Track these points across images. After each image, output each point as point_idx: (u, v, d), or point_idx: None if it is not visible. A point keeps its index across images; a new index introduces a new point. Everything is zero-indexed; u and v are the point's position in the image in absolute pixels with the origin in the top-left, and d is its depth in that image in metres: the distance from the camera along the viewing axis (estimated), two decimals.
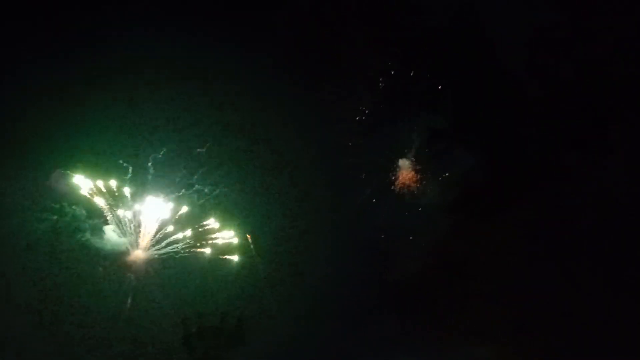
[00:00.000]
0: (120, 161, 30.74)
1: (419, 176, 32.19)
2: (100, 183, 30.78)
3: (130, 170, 30.84)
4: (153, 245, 31.49)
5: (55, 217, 30.62)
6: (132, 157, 30.92)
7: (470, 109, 31.82)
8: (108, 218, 31.11)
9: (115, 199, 31.04)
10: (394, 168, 32.45)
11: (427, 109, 32.06)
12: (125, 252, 31.36)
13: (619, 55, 30.47)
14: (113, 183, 30.81)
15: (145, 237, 31.44)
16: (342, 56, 32.01)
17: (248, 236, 31.51)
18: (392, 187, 32.28)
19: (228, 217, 31.52)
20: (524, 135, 31.70)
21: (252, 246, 31.50)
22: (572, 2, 30.69)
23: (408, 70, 32.26)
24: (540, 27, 31.00)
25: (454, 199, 31.53)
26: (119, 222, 31.26)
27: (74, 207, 30.80)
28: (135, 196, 31.11)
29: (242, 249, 31.41)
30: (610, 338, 28.48)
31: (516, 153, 31.63)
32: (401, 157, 32.40)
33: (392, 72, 32.18)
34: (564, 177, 30.73)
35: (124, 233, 31.37)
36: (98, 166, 30.80)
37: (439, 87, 32.10)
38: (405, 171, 32.27)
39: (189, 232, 31.28)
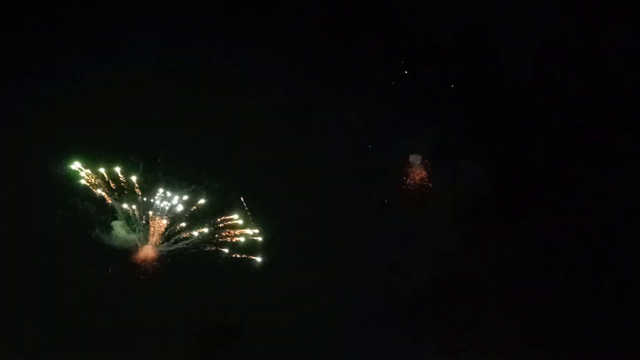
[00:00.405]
0: (132, 157, 30.76)
1: (427, 187, 32.40)
2: (110, 178, 30.70)
3: (141, 165, 30.85)
4: (164, 242, 31.14)
5: (64, 213, 30.33)
6: (144, 151, 30.96)
7: (479, 121, 32.31)
8: (117, 213, 30.83)
9: (126, 194, 30.90)
10: (402, 178, 32.64)
11: (436, 121, 32.51)
12: (135, 249, 30.98)
13: (627, 67, 31.32)
14: (124, 177, 30.74)
15: (156, 233, 31.11)
16: (353, 67, 32.55)
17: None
18: (401, 197, 32.43)
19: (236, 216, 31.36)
20: (532, 148, 32.31)
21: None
22: (581, 16, 31.66)
23: (419, 82, 32.93)
24: (548, 39, 31.88)
25: (462, 211, 31.55)
26: (129, 218, 30.98)
27: (84, 202, 30.54)
28: (145, 191, 30.94)
29: (255, 246, 31.17)
30: (624, 350, 28.80)
31: (525, 165, 32.10)
32: (410, 169, 32.59)
33: (403, 84, 32.81)
34: (573, 189, 31.19)
35: (133, 229, 31.04)
36: (109, 160, 30.74)
37: (448, 100, 32.75)
38: (414, 182, 32.45)
39: (200, 229, 30.95)
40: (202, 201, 31.02)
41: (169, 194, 31.04)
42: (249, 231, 30.97)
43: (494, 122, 32.12)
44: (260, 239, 31.02)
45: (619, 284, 29.51)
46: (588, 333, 28.78)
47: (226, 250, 30.87)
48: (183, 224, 30.97)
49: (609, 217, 30.36)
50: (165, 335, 29.44)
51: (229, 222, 31.09)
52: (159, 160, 31.07)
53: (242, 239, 30.97)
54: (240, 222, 31.13)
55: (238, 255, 30.81)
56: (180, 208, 31.08)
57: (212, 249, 30.93)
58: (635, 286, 29.35)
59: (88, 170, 30.62)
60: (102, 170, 30.66)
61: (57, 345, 28.82)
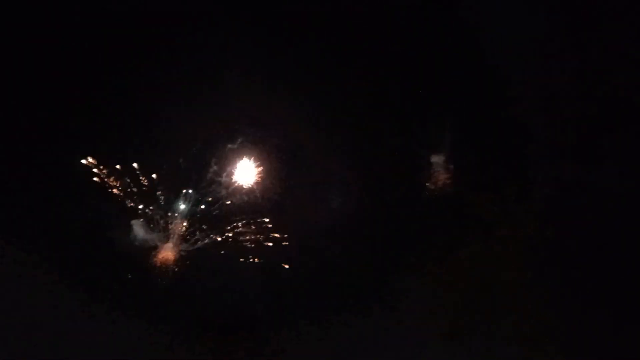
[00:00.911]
0: (154, 154, 30.92)
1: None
2: (129, 174, 30.77)
3: (164, 165, 31.02)
4: (185, 242, 31.36)
5: (79, 211, 30.37)
6: (166, 149, 31.11)
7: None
8: (137, 212, 30.87)
9: (145, 192, 30.94)
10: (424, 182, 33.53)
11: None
12: (155, 249, 31.17)
13: (616, 64, 32.41)
14: (143, 175, 30.80)
15: (176, 233, 31.28)
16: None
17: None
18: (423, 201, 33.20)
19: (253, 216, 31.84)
20: (521, 146, 33.36)
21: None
22: (569, 15, 32.66)
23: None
24: (536, 38, 32.81)
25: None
26: (148, 217, 31.02)
27: (100, 199, 30.55)
28: (167, 188, 31.11)
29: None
30: (615, 345, 29.95)
31: (513, 163, 33.32)
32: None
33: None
34: (560, 187, 32.35)
35: (153, 228, 31.10)
36: (127, 156, 30.88)
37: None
38: (436, 185, 33.39)
39: (223, 230, 31.31)
40: (226, 201, 31.26)
41: (191, 192, 31.23)
42: (267, 229, 31.36)
43: (483, 122, 33.41)
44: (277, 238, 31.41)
45: (612, 278, 30.55)
46: (584, 332, 30.07)
47: (249, 253, 31.17)
48: (205, 225, 31.20)
49: (600, 214, 31.56)
50: (184, 338, 29.90)
51: (252, 224, 31.43)
52: (180, 160, 31.25)
53: (265, 242, 31.34)
54: (267, 225, 31.47)
55: (257, 260, 31.15)
56: (202, 207, 31.30)
57: (235, 250, 31.18)
58: (629, 280, 30.46)
59: (101, 168, 30.66)
60: (118, 167, 30.70)
61: (71, 349, 28.91)
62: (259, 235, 31.57)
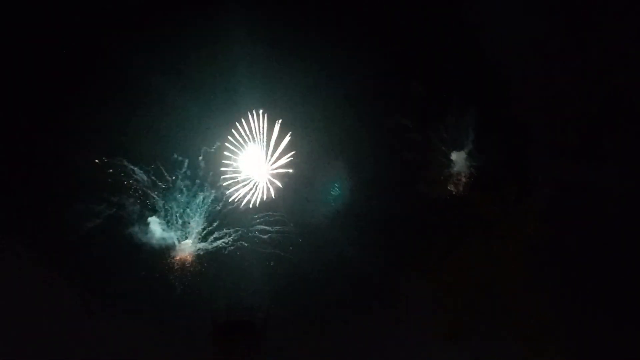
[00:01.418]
0: (175, 155, 31.15)
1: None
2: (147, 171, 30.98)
3: (186, 163, 31.29)
4: (202, 240, 31.61)
5: (97, 209, 30.50)
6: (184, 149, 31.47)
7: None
8: (156, 209, 31.07)
9: (163, 190, 31.23)
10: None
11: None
12: (172, 247, 31.39)
13: (616, 64, 32.26)
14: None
15: (194, 231, 31.48)
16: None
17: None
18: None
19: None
20: (521, 146, 33.38)
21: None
22: (569, 15, 32.51)
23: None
24: (536, 38, 32.68)
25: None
26: (166, 214, 31.23)
27: (117, 197, 30.70)
28: (186, 187, 31.31)
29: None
30: (615, 346, 30.03)
31: (513, 163, 33.26)
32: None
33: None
34: (560, 187, 32.19)
35: (170, 226, 31.34)
36: (148, 157, 31.19)
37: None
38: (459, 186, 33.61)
39: (239, 227, 31.59)
40: (243, 200, 31.53)
41: (209, 191, 31.49)
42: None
43: (494, 122, 33.43)
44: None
45: (614, 282, 30.63)
46: (584, 332, 30.19)
47: (261, 252, 31.51)
48: (222, 224, 31.45)
49: (600, 214, 31.58)
50: (185, 338, 30.04)
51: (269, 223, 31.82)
52: (199, 159, 31.57)
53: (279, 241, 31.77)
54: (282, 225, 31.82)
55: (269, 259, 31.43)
56: (220, 206, 31.57)
57: (247, 250, 31.43)
58: (628, 280, 30.58)
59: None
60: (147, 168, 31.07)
61: (71, 349, 29.04)
62: (273, 235, 31.99)
